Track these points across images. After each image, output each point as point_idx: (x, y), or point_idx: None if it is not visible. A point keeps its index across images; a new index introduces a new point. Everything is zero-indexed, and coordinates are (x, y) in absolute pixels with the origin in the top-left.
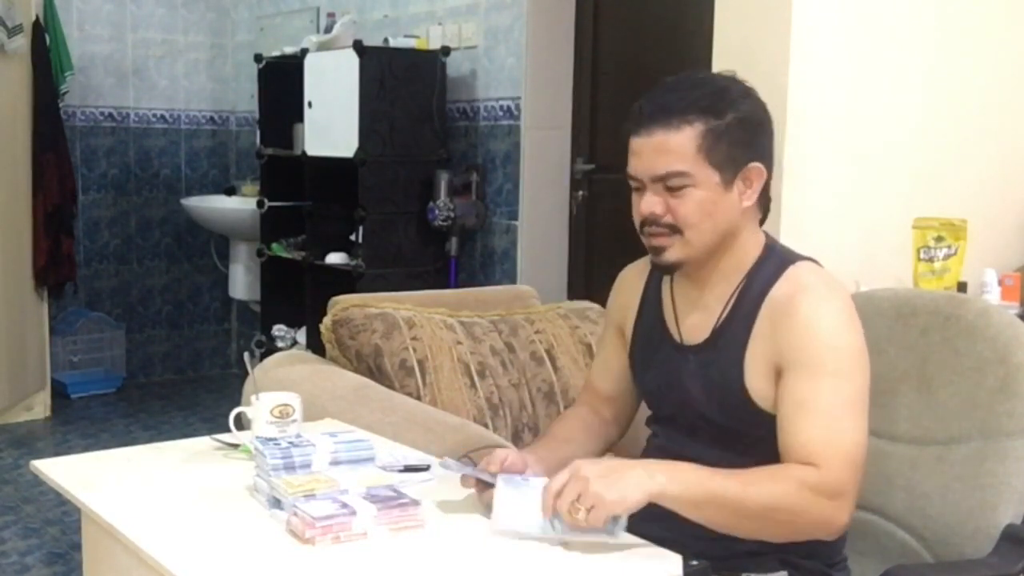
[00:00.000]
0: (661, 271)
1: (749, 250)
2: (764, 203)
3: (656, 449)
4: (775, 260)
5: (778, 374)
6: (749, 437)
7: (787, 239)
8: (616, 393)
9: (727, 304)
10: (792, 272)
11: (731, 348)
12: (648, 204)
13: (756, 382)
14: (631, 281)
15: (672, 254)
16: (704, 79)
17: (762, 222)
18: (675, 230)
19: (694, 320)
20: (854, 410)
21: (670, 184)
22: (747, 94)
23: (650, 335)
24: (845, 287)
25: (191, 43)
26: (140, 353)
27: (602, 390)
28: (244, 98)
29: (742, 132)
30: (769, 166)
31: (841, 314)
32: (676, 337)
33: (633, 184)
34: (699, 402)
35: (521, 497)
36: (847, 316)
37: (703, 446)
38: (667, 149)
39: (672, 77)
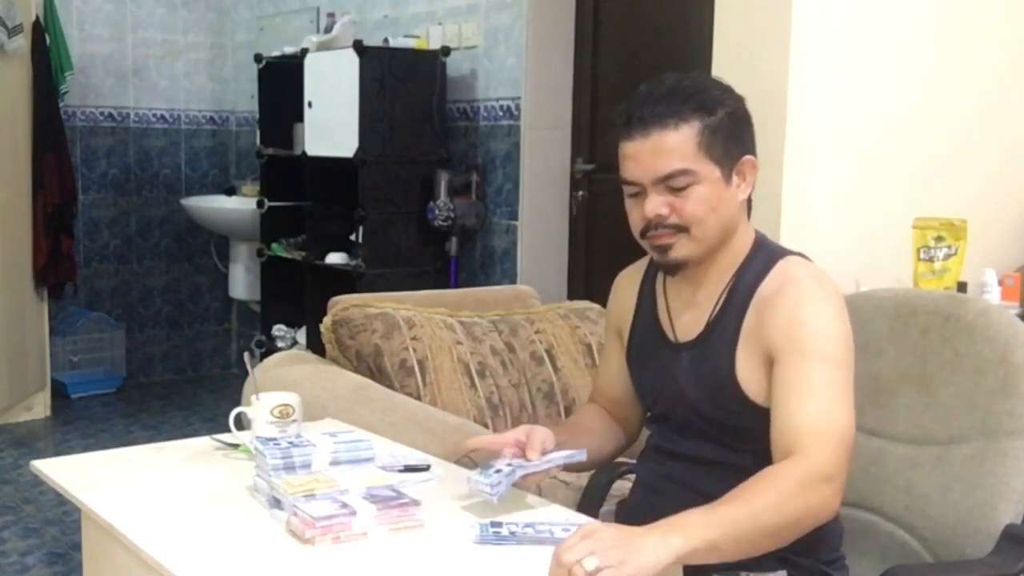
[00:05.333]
0: (668, 271)
1: (741, 246)
2: (749, 198)
3: (652, 448)
4: (764, 255)
5: (769, 365)
6: (741, 431)
7: (787, 239)
8: (622, 397)
9: (718, 301)
10: (781, 266)
11: (722, 343)
12: (653, 206)
13: (748, 375)
14: (626, 284)
15: (679, 251)
16: (685, 80)
17: (748, 216)
18: (681, 228)
19: (687, 318)
20: (844, 394)
21: (674, 184)
22: (729, 91)
23: (646, 336)
24: (833, 281)
25: (191, 43)
26: (140, 353)
27: (609, 395)
28: (244, 98)
29: (733, 126)
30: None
31: (829, 306)
32: (670, 336)
33: (630, 190)
34: (692, 398)
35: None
36: (835, 307)
37: (696, 442)
38: (667, 149)
39: (648, 83)
